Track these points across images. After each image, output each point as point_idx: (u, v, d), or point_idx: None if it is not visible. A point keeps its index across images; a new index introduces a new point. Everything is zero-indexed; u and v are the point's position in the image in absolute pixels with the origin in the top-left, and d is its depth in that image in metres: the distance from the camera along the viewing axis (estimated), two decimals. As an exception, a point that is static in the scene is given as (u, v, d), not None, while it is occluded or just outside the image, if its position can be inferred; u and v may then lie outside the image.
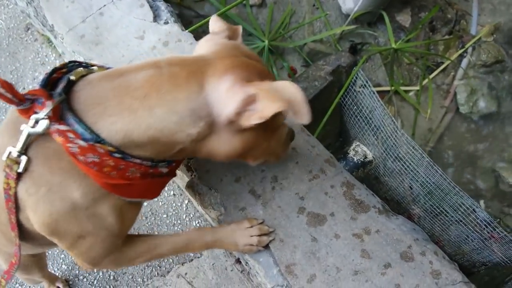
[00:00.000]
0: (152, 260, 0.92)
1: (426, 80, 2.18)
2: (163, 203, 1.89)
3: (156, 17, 1.34)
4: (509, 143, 2.05)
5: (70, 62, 0.79)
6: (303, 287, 0.93)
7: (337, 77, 1.72)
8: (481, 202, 1.95)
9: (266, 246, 0.98)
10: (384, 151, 1.82)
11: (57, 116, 0.69)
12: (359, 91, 2.00)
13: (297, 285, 0.93)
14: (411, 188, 1.67)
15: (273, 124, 0.81)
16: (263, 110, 0.68)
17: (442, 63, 2.24)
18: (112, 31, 1.33)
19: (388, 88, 2.18)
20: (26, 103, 0.69)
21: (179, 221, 1.84)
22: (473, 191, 1.99)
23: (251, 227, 0.97)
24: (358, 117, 1.85)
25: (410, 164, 1.69)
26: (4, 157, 0.70)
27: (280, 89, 0.68)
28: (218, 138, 0.75)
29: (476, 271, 1.61)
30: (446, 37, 2.27)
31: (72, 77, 0.73)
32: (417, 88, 2.18)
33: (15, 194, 0.72)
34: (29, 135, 0.70)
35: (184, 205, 1.88)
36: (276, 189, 1.03)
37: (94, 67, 0.81)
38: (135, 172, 0.75)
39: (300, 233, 0.98)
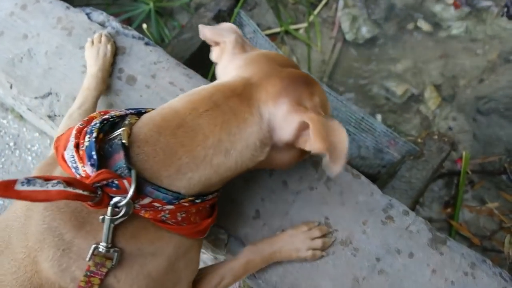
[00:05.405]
0: None
1: (312, 16, 2.29)
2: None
3: (8, -17, 1.26)
4: (393, 59, 2.24)
5: (98, 123, 0.68)
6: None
7: (220, 22, 1.74)
8: (378, 116, 2.14)
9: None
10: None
11: (136, 192, 0.63)
12: (250, 38, 2.06)
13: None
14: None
15: None
16: (311, 145, 0.70)
17: (324, -3, 2.36)
18: (-40, 5, 1.23)
19: (278, 30, 2.26)
20: (98, 194, 0.61)
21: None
22: (370, 108, 2.16)
23: (310, 229, 0.92)
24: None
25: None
26: (87, 258, 0.63)
27: (331, 129, 0.69)
28: (276, 154, 0.76)
29: (379, 176, 1.79)
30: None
31: (124, 141, 0.65)
32: (305, 25, 2.28)
33: None
34: (110, 224, 0.63)
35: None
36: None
37: (127, 118, 0.72)
38: (207, 208, 0.76)
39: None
